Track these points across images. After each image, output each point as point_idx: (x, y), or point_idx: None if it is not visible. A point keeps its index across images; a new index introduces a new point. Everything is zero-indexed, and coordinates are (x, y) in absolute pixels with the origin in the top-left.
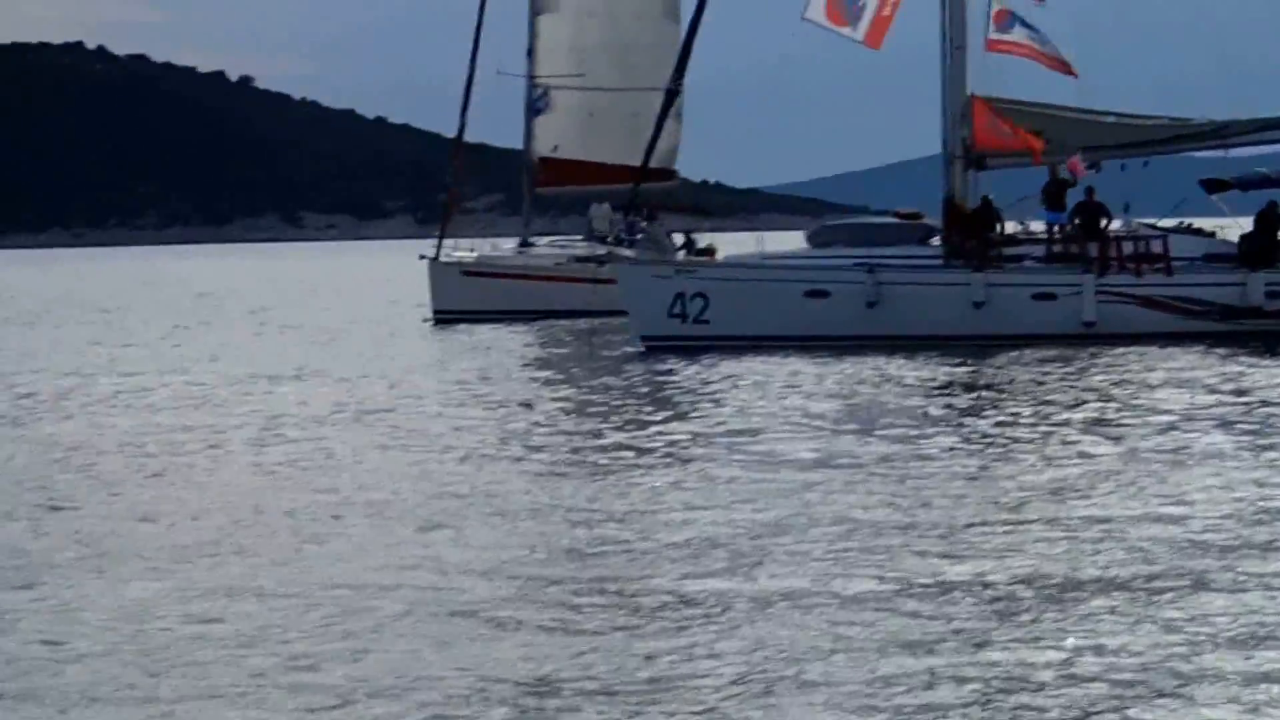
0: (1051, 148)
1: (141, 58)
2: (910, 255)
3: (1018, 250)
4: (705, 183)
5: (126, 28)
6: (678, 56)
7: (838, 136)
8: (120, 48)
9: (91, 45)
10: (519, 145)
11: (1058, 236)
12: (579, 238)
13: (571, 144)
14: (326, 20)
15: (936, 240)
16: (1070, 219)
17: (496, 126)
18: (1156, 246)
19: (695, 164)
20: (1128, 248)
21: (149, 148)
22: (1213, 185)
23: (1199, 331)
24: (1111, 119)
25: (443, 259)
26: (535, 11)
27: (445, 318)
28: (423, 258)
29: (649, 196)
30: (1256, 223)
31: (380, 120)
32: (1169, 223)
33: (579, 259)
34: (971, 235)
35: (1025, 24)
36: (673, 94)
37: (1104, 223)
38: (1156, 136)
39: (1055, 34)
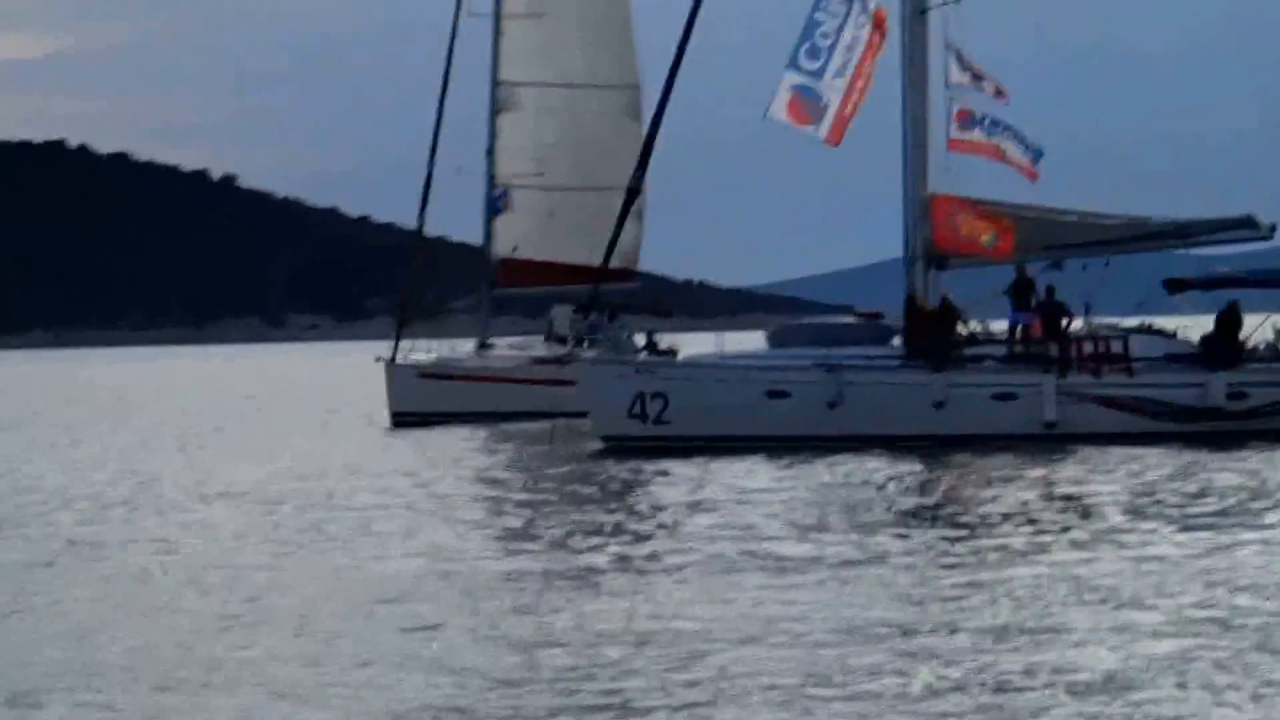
0: (1016, 245)
1: (122, 156)
2: (871, 355)
3: (979, 350)
4: (689, 282)
5: (108, 121)
6: (639, 155)
7: (825, 234)
8: (103, 144)
9: (73, 143)
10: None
11: (1018, 336)
12: (540, 338)
13: (532, 244)
14: (310, 115)
15: (897, 340)
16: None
17: (462, 225)
18: (1117, 347)
19: (681, 263)
20: (1088, 348)
21: (131, 248)
22: (1175, 285)
23: (1160, 432)
24: (1073, 217)
25: (400, 361)
26: (495, 110)
27: (404, 420)
28: (379, 360)
29: (610, 297)
30: (1218, 323)
31: (363, 219)
32: (1131, 322)
33: (539, 360)
34: (932, 335)
35: (989, 122)
36: (634, 193)
37: (1065, 322)
38: (1118, 236)
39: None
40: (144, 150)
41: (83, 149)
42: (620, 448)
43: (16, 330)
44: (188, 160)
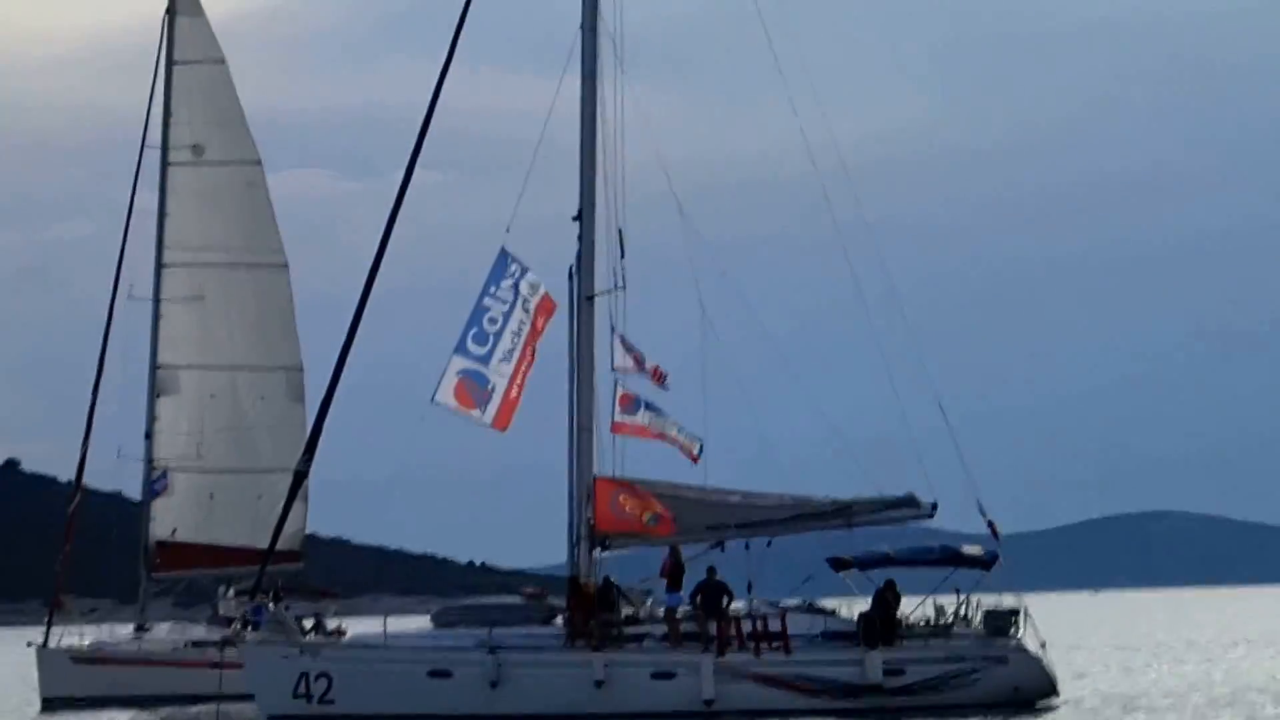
0: (677, 525)
1: None
2: (533, 635)
3: (639, 629)
4: (471, 564)
5: None
6: (307, 438)
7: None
8: None
9: None
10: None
11: (678, 616)
12: (204, 622)
13: (191, 527)
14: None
15: (560, 620)
16: (691, 599)
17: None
18: (774, 625)
19: (465, 547)
20: (746, 626)
21: None
22: (837, 564)
23: (818, 710)
24: (736, 498)
25: (52, 645)
26: (156, 393)
27: (54, 704)
28: (30, 644)
29: (275, 579)
30: (874, 601)
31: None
32: (792, 601)
33: (197, 643)
34: (593, 615)
35: (651, 407)
36: (301, 475)
37: (725, 601)
38: (780, 516)
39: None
40: None
41: None
42: None
43: None
44: None
